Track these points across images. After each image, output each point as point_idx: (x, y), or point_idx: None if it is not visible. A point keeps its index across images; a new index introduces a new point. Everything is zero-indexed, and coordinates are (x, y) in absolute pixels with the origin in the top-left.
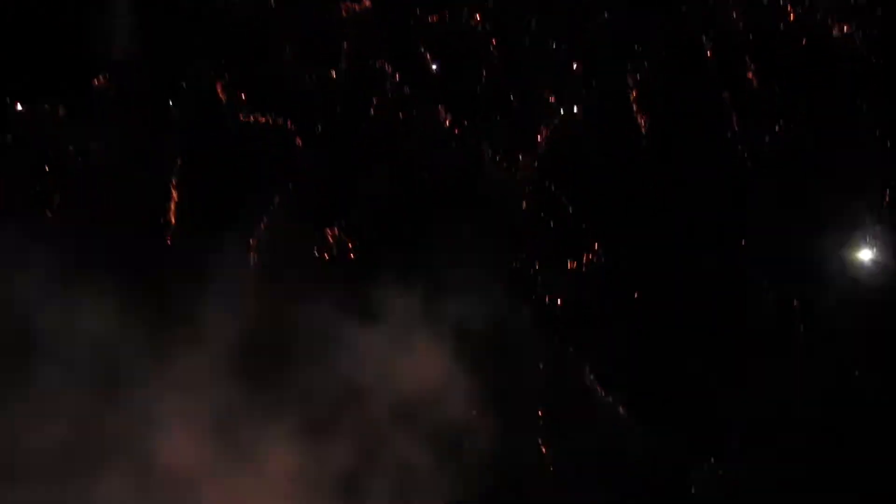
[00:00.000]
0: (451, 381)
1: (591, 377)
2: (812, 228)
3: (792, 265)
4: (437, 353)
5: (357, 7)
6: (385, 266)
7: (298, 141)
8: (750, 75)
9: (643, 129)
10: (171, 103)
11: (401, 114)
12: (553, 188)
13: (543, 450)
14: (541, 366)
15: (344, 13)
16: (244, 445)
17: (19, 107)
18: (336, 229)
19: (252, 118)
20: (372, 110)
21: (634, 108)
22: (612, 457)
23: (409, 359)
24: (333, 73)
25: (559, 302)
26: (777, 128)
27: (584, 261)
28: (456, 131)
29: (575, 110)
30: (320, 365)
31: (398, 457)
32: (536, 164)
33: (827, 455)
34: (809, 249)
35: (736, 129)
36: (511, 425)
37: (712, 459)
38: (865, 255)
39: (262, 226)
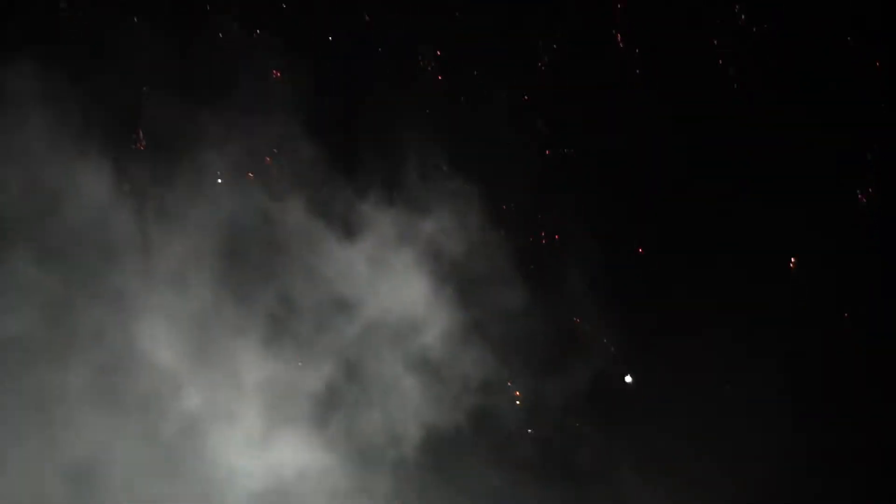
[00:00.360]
0: (430, 305)
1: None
2: (807, 161)
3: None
4: (418, 277)
5: None
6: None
7: (276, 73)
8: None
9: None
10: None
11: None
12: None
13: (518, 394)
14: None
15: None
16: (220, 351)
17: None
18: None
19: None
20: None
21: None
22: (597, 385)
23: (390, 278)
24: None
25: (556, 237)
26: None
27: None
28: (429, 65)
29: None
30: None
31: (377, 376)
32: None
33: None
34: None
35: (725, 65)
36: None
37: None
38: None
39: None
